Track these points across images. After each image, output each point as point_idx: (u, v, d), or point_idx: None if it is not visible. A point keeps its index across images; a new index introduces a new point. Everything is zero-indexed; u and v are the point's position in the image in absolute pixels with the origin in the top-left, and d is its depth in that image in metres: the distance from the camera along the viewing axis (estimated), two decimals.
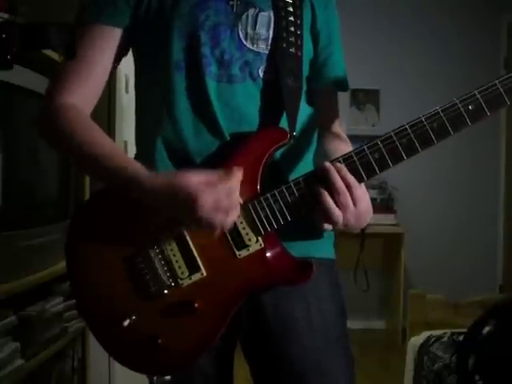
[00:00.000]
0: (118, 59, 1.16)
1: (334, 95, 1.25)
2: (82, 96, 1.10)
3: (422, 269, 4.48)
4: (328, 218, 0.99)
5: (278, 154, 1.08)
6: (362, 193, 1.01)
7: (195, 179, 0.95)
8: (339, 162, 1.01)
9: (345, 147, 1.14)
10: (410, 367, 2.45)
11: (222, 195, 0.95)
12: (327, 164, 1.00)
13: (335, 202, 0.98)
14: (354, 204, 0.99)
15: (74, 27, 1.93)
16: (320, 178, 1.00)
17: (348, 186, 0.98)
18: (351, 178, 0.99)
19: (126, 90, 2.38)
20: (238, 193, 0.98)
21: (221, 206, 0.94)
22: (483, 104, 0.98)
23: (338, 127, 1.25)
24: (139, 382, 2.35)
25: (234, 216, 0.97)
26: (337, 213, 0.98)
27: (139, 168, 1.01)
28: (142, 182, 0.98)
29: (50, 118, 1.09)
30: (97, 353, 2.25)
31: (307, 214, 1.03)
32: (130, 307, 1.04)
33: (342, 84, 1.22)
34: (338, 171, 0.99)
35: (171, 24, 1.08)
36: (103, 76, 1.13)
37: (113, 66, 1.15)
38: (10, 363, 1.57)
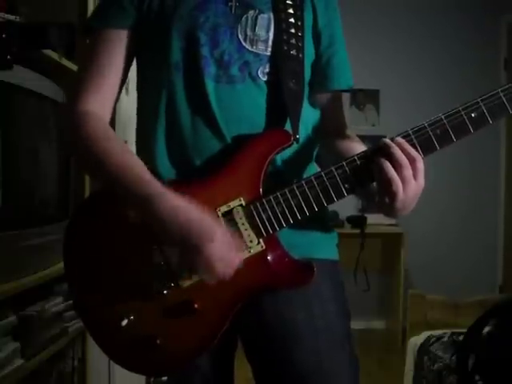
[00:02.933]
0: (131, 60, 1.17)
1: (340, 97, 1.24)
2: (98, 103, 1.11)
3: (421, 269, 4.48)
4: (388, 189, 0.98)
5: (280, 155, 1.08)
6: (423, 167, 1.00)
7: (218, 225, 0.97)
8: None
9: (361, 147, 1.13)
10: (410, 367, 2.45)
11: (232, 251, 0.97)
12: (387, 140, 1.00)
13: (398, 175, 0.97)
14: (415, 177, 0.98)
15: (75, 27, 1.93)
16: (365, 158, 1.00)
17: (411, 159, 0.98)
18: (414, 152, 0.98)
19: (126, 92, 2.38)
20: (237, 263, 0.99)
21: (226, 260, 0.96)
22: (486, 112, 0.99)
23: (347, 129, 1.24)
24: (139, 382, 2.36)
25: (229, 273, 0.98)
26: (398, 183, 0.97)
27: (159, 189, 0.98)
28: (163, 203, 0.96)
29: (72, 126, 1.10)
30: (97, 353, 2.24)
31: (311, 215, 1.03)
32: (129, 307, 1.04)
33: (345, 85, 1.21)
34: (401, 145, 0.99)
35: (171, 25, 1.08)
36: (118, 79, 1.14)
37: (128, 66, 1.16)
38: (10, 363, 1.57)
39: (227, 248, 0.96)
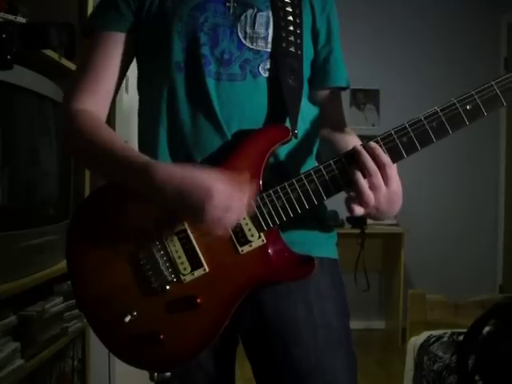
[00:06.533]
0: (128, 62, 1.19)
1: (338, 94, 1.25)
2: (93, 102, 1.13)
3: (421, 269, 4.49)
4: (360, 198, 0.99)
5: (280, 151, 1.09)
6: (395, 173, 1.01)
7: (212, 178, 0.96)
8: (376, 141, 1.01)
9: (354, 139, 1.15)
10: (410, 367, 2.45)
11: (235, 199, 0.96)
12: (358, 147, 1.01)
13: (368, 182, 0.98)
14: (386, 184, 0.99)
15: (75, 27, 1.93)
16: (348, 160, 1.01)
17: (381, 166, 0.99)
18: (385, 158, 0.99)
19: (126, 90, 2.38)
20: (247, 200, 0.99)
21: (231, 209, 0.95)
22: (480, 104, 1.00)
23: (346, 127, 1.25)
24: (139, 381, 2.36)
25: (239, 219, 0.99)
26: (368, 193, 0.99)
27: (152, 160, 1.02)
28: (157, 171, 0.97)
29: (66, 124, 1.13)
30: (97, 353, 2.25)
31: (310, 209, 1.04)
32: (132, 303, 1.05)
33: (343, 82, 1.23)
34: (372, 150, 0.99)
35: (171, 27, 1.10)
36: (113, 80, 1.16)
37: (125, 68, 1.18)
38: (10, 363, 1.57)
39: (228, 197, 0.95)
